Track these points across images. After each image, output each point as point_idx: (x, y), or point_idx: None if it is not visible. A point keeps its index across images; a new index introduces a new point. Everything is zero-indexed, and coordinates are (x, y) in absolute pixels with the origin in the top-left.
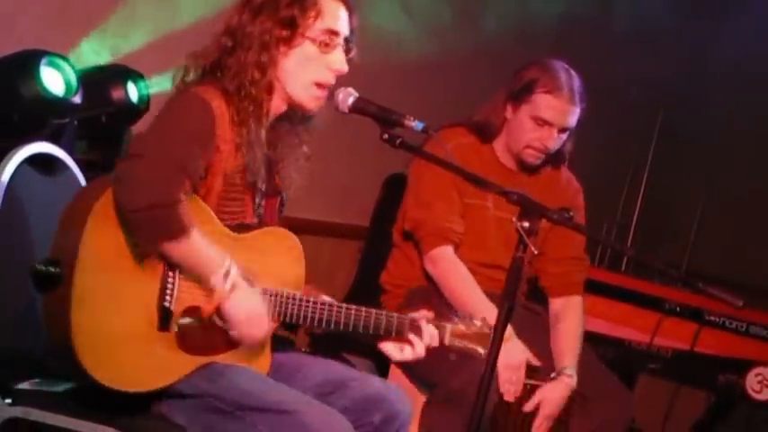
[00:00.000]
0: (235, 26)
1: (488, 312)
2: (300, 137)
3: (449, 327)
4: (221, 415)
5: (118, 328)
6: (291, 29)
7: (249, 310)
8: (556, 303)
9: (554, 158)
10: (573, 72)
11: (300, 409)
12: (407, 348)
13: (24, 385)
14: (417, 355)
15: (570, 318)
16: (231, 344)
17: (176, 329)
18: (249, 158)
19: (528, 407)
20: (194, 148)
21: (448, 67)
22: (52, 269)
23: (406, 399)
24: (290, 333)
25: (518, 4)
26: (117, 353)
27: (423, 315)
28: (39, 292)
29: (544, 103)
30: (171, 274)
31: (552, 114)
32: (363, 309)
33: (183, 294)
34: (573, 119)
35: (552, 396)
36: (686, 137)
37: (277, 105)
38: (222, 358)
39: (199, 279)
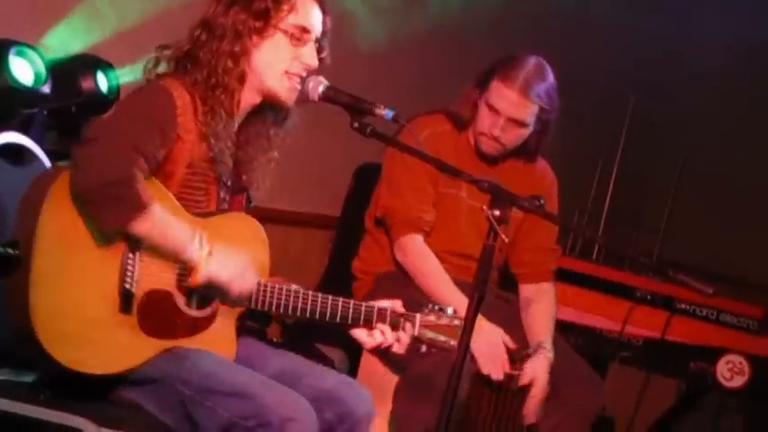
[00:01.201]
0: (208, 18)
1: (456, 300)
2: (271, 140)
3: (418, 317)
4: (184, 398)
5: (78, 309)
6: (264, 20)
7: (234, 269)
8: (527, 289)
9: (521, 153)
10: (545, 71)
11: (259, 392)
12: (377, 334)
13: None
14: (387, 343)
15: (543, 301)
16: (194, 328)
17: (138, 312)
18: (216, 149)
19: (524, 381)
20: (150, 132)
21: (417, 53)
22: (10, 251)
23: (366, 399)
24: (260, 326)
25: None
26: (77, 334)
27: (391, 304)
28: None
29: (496, 91)
30: (131, 255)
31: (500, 102)
32: (330, 297)
33: (144, 276)
34: (522, 112)
35: (537, 372)
36: (657, 124)
37: (250, 98)
38: (186, 342)
39: (171, 254)
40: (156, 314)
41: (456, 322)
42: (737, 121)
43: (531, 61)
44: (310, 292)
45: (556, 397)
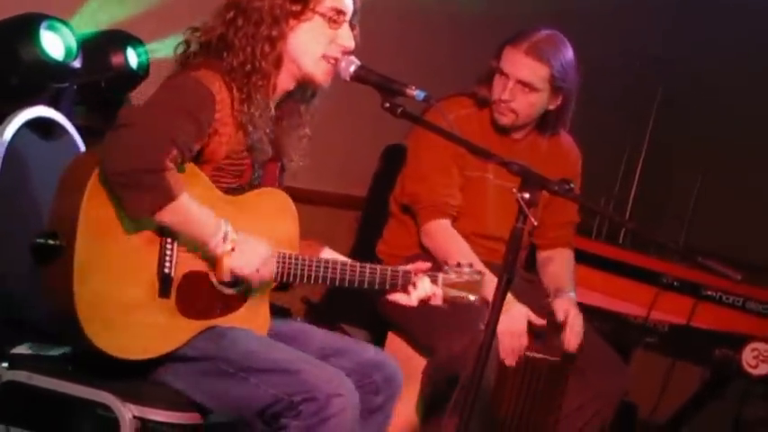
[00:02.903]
0: (242, 1)
1: (487, 282)
2: (303, 117)
3: (440, 276)
4: (224, 377)
5: (120, 296)
6: (303, 3)
7: (255, 263)
8: (545, 253)
9: (542, 129)
10: (559, 42)
11: (303, 368)
12: (413, 294)
13: (20, 349)
14: (409, 302)
15: (562, 259)
16: (230, 307)
17: (176, 295)
18: (255, 137)
19: (559, 316)
20: (186, 124)
21: (449, 34)
22: (51, 242)
23: (399, 369)
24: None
25: None
26: (120, 321)
27: (417, 266)
28: (38, 264)
29: (505, 55)
30: (169, 240)
31: (508, 65)
32: (358, 264)
33: (181, 260)
34: (529, 72)
35: (570, 304)
36: (685, 112)
37: (285, 81)
38: (222, 321)
39: (196, 245)
40: (193, 295)
41: (476, 277)
42: (765, 109)
43: (545, 31)
44: (339, 262)
45: (580, 381)
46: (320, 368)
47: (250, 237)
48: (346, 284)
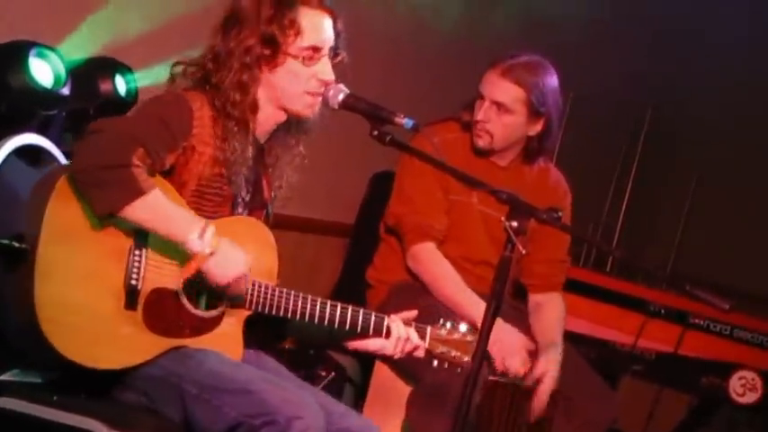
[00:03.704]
0: (218, 45)
1: (472, 302)
2: (297, 137)
3: (428, 330)
4: (189, 398)
5: (82, 302)
6: (273, 47)
7: (232, 274)
8: (537, 297)
9: (527, 158)
10: (540, 67)
11: (264, 388)
12: (392, 342)
13: (5, 376)
14: (384, 353)
15: (553, 306)
16: (200, 329)
17: (143, 309)
18: (231, 174)
19: (529, 380)
20: (157, 129)
21: (437, 62)
22: (16, 244)
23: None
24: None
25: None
26: (81, 327)
27: (403, 315)
28: (5, 269)
29: (484, 78)
30: (138, 252)
31: (485, 86)
32: (339, 305)
33: (151, 274)
34: (502, 93)
35: (548, 363)
36: (673, 137)
37: (274, 116)
38: (192, 342)
39: (172, 243)
40: (161, 312)
41: (469, 338)
42: (754, 135)
43: (528, 56)
44: (320, 299)
45: (568, 410)
46: (282, 389)
47: (234, 245)
48: (324, 322)
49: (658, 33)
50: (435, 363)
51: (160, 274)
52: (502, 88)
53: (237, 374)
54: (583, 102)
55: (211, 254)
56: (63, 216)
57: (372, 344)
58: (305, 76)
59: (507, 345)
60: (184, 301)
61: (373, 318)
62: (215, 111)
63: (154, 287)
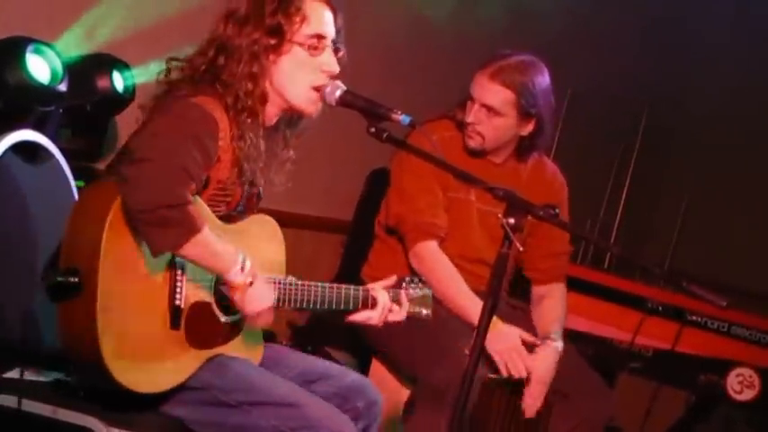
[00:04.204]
0: (221, 38)
1: (473, 306)
2: (287, 140)
3: (402, 293)
4: (226, 408)
5: (139, 330)
6: (278, 36)
7: (263, 303)
8: (540, 289)
9: (520, 155)
10: (530, 67)
11: (305, 402)
12: (368, 313)
13: (10, 374)
14: (370, 322)
15: (555, 298)
16: (229, 335)
17: (185, 326)
18: (249, 171)
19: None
20: (197, 155)
21: (434, 59)
22: (71, 279)
23: (378, 392)
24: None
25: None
26: (139, 355)
27: (382, 283)
28: (55, 301)
29: (474, 79)
30: (178, 272)
31: (474, 88)
32: (327, 285)
33: (188, 291)
34: (491, 96)
35: (542, 363)
36: (671, 134)
37: (272, 113)
38: (223, 349)
39: (216, 275)
40: (199, 326)
41: (427, 291)
42: (751, 133)
43: (517, 56)
44: (314, 283)
45: (565, 406)
46: (322, 405)
47: (265, 282)
48: (325, 305)
49: (656, 31)
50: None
51: (195, 288)
52: (491, 91)
53: (275, 387)
54: (580, 99)
55: (251, 283)
56: (117, 248)
57: (359, 316)
58: (310, 68)
59: (505, 350)
60: (216, 310)
61: (361, 292)
62: (228, 110)
63: (192, 302)
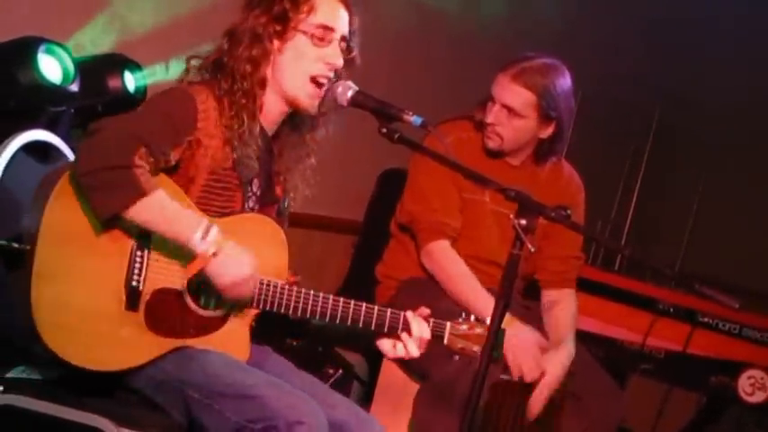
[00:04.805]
0: (233, 27)
1: (485, 303)
2: (308, 147)
3: (448, 325)
4: (192, 402)
5: (82, 304)
6: (284, 23)
7: (236, 275)
8: (550, 294)
9: (538, 158)
10: (553, 70)
11: (265, 393)
12: (399, 346)
13: (11, 373)
14: (410, 355)
15: (566, 303)
16: (205, 329)
17: (145, 310)
18: (241, 153)
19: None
20: (160, 126)
21: (443, 59)
22: (15, 245)
23: (375, 428)
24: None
25: (519, 3)
26: (79, 329)
27: (418, 312)
28: (6, 269)
29: (496, 80)
30: (140, 253)
31: (496, 88)
32: (353, 302)
33: (152, 275)
34: (512, 97)
35: (554, 364)
36: (682, 137)
37: (276, 104)
38: (196, 342)
39: (176, 244)
40: (164, 312)
41: (479, 330)
42: (762, 135)
43: (541, 58)
44: (331, 296)
45: (577, 408)
46: (284, 393)
47: (239, 247)
48: (337, 321)
49: (667, 34)
50: (457, 357)
51: (164, 274)
52: (512, 92)
53: (239, 378)
54: (591, 101)
55: (215, 254)
56: (63, 217)
57: (400, 350)
58: (311, 57)
59: (520, 351)
60: (188, 300)
61: (389, 314)
62: (221, 94)
63: (157, 287)
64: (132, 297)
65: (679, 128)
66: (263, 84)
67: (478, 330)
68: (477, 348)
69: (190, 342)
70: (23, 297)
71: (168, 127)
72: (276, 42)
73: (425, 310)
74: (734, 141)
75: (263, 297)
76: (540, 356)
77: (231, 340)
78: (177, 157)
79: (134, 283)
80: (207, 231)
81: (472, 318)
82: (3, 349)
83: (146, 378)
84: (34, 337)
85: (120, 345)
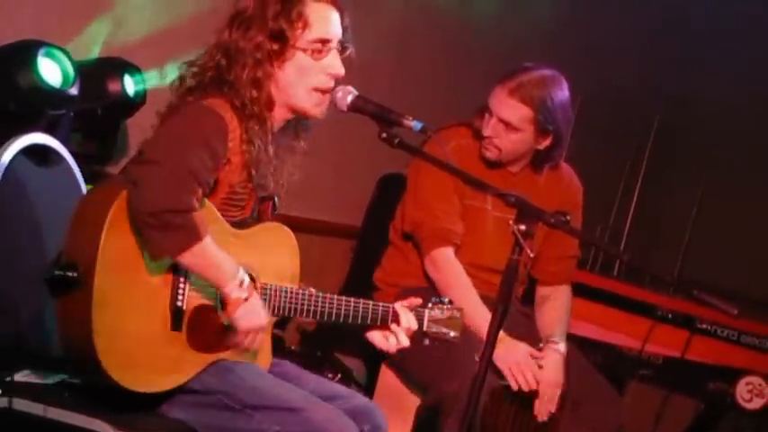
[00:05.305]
0: (227, 42)
1: (483, 317)
2: (298, 134)
3: (427, 312)
4: (229, 412)
5: (135, 329)
6: (281, 42)
7: (255, 321)
8: (545, 290)
9: (536, 165)
10: (550, 82)
11: (308, 407)
12: (391, 338)
13: (16, 377)
14: (401, 345)
15: (559, 298)
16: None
17: (187, 329)
18: (259, 176)
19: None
20: (206, 158)
21: (448, 66)
22: (70, 273)
23: (385, 419)
24: (279, 329)
25: (518, 6)
26: (135, 354)
27: (407, 302)
28: (54, 295)
29: (493, 92)
30: (182, 276)
31: (493, 102)
32: (344, 298)
33: (192, 293)
34: (509, 112)
35: (549, 368)
36: (681, 142)
37: (281, 116)
38: (228, 355)
39: (212, 286)
40: (202, 329)
41: (456, 313)
42: (762, 141)
43: (539, 70)
44: (329, 295)
45: (576, 414)
46: (324, 408)
47: (261, 302)
48: (334, 318)
49: (667, 39)
50: (427, 342)
51: (200, 291)
52: (509, 107)
53: (279, 390)
54: (591, 106)
55: (245, 299)
56: (117, 246)
57: (392, 341)
58: (314, 71)
59: (515, 366)
60: (221, 315)
61: (380, 308)
62: (238, 113)
63: (195, 305)
64: (176, 317)
65: (679, 132)
66: (270, 105)
67: (447, 313)
68: (445, 330)
69: (224, 355)
70: (81, 325)
71: (214, 158)
72: (276, 62)
73: (416, 300)
74: (734, 146)
75: (280, 304)
76: (533, 364)
77: (257, 351)
78: (214, 180)
79: (179, 304)
80: (242, 282)
81: (440, 302)
82: (9, 354)
83: (187, 391)
84: (93, 364)
85: (169, 365)
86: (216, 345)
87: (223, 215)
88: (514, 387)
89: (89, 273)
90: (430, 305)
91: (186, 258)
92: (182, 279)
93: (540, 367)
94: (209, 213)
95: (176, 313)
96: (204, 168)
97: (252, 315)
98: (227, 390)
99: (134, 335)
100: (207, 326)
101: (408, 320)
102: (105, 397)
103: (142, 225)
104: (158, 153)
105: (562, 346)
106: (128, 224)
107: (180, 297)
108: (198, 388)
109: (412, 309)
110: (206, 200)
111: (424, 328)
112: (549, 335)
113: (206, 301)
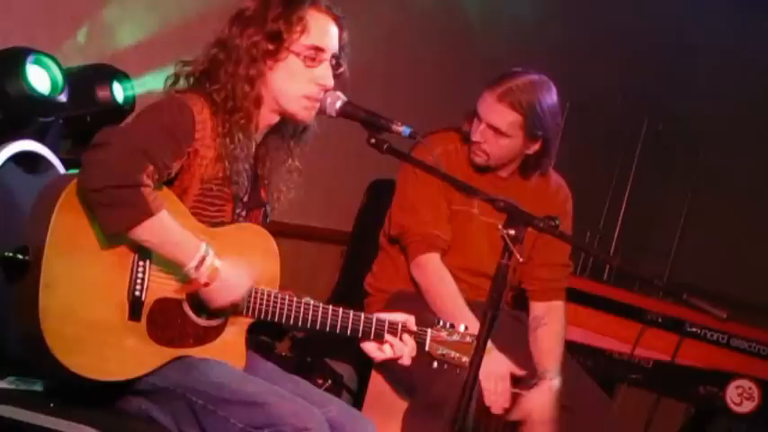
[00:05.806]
0: (225, 38)
1: (468, 322)
2: (291, 151)
3: (429, 332)
4: (195, 409)
5: (87, 314)
6: (277, 43)
7: (231, 299)
8: (538, 308)
9: (525, 171)
10: (539, 87)
11: (271, 400)
12: (387, 348)
13: (1, 384)
14: (396, 355)
15: (553, 322)
16: (204, 338)
17: (147, 320)
18: (232, 171)
19: (515, 416)
20: (164, 140)
21: (436, 71)
22: (20, 256)
23: (368, 427)
24: (271, 339)
25: (508, 12)
26: (86, 339)
27: (404, 318)
28: (8, 281)
29: (481, 97)
30: (141, 263)
31: (481, 107)
32: (341, 310)
33: (154, 284)
34: (498, 118)
35: (538, 402)
36: (670, 148)
37: (268, 117)
38: (195, 352)
39: (172, 265)
40: (165, 322)
41: (468, 339)
42: (750, 145)
43: (527, 75)
44: (321, 305)
45: (568, 419)
46: (288, 401)
47: (234, 270)
48: (327, 329)
49: (655, 44)
50: (435, 364)
51: (164, 284)
52: (498, 113)
53: (243, 385)
54: (580, 111)
55: (206, 284)
56: (68, 228)
57: (387, 350)
58: (304, 79)
59: (492, 376)
60: (188, 310)
61: (374, 321)
62: (215, 108)
63: (157, 297)
64: (135, 307)
65: (667, 138)
66: (258, 102)
67: (456, 337)
68: (455, 354)
69: (190, 351)
70: (30, 307)
71: (171, 140)
72: (269, 61)
73: (410, 318)
74: (722, 151)
75: (256, 306)
76: (508, 385)
77: (229, 349)
78: (177, 168)
79: (136, 293)
80: (201, 262)
81: (449, 325)
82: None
83: (147, 386)
84: (40, 348)
85: (124, 355)
86: (181, 340)
87: (198, 214)
88: (488, 404)
89: (38, 255)
90: (438, 326)
91: (137, 234)
92: (140, 267)
93: (520, 393)
94: (175, 207)
95: (134, 302)
96: (157, 147)
97: (224, 291)
98: (190, 385)
99: (86, 319)
100: (171, 319)
101: (408, 341)
102: (92, 402)
103: (92, 203)
104: (108, 135)
105: (557, 383)
106: (80, 208)
107: (138, 286)
108: (161, 384)
109: (409, 328)
110: (172, 194)
111: (426, 348)
112: (543, 368)
113: (172, 295)
